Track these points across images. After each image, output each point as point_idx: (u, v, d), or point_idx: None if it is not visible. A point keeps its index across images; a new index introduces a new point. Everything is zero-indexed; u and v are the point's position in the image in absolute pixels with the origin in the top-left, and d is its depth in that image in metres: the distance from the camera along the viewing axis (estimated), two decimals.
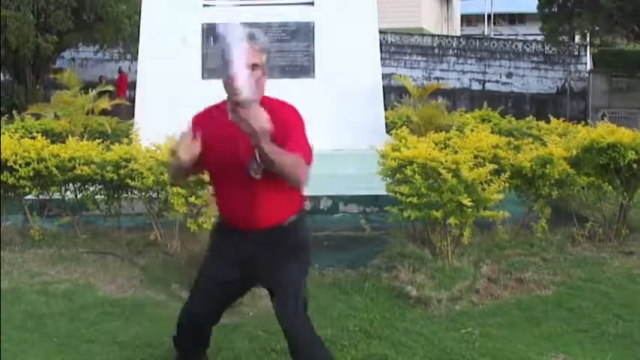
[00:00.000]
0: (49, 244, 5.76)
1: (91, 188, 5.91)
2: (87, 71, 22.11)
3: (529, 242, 5.80)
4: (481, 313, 4.44)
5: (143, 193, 5.54)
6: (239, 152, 2.63)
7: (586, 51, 23.06)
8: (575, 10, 20.10)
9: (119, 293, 4.80)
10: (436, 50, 23.57)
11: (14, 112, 10.70)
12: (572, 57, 22.72)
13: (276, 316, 2.82)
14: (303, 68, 9.12)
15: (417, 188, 4.90)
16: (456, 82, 22.69)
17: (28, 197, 6.09)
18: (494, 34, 34.91)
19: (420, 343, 3.92)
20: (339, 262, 5.26)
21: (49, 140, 6.18)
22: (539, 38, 24.39)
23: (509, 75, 23.01)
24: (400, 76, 12.34)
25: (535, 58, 23.00)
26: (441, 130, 7.18)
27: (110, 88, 10.44)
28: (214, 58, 9.01)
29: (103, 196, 5.93)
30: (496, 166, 5.29)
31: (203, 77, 9.06)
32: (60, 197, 6.02)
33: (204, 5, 9.20)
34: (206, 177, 4.98)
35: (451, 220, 4.86)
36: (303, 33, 9.17)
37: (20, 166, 5.62)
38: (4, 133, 6.32)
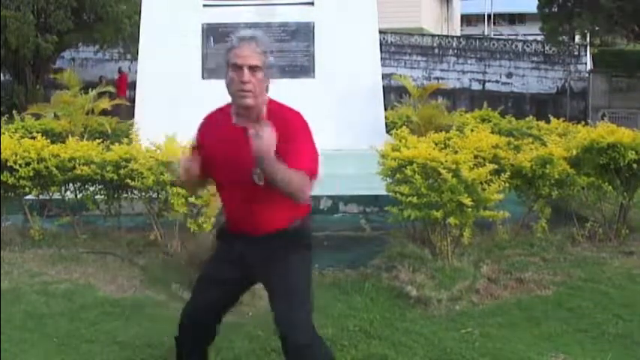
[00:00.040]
0: (49, 244, 5.77)
1: (91, 188, 5.91)
2: (87, 71, 22.12)
3: (529, 242, 5.80)
4: (481, 313, 4.44)
5: (143, 193, 5.54)
6: (243, 157, 2.61)
7: (586, 51, 23.06)
8: (575, 10, 20.11)
9: (119, 293, 4.80)
10: (436, 50, 23.57)
11: (14, 112, 10.70)
12: (572, 57, 22.73)
13: (274, 321, 2.76)
14: (303, 68, 9.12)
15: (417, 188, 4.90)
16: (456, 82, 22.69)
17: (28, 197, 6.10)
18: (495, 34, 34.91)
19: (420, 343, 3.92)
20: (339, 262, 5.26)
21: (49, 140, 6.18)
22: (539, 38, 24.40)
23: (509, 75, 23.01)
24: (400, 76, 12.34)
25: (535, 58, 23.00)
26: (441, 130, 7.18)
27: (110, 89, 10.43)
28: (214, 58, 9.03)
29: (103, 196, 5.93)
30: (496, 166, 5.29)
31: (203, 77, 9.06)
32: (60, 197, 6.02)
33: (204, 5, 9.20)
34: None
35: (451, 220, 4.86)
36: (303, 33, 9.17)
37: (20, 166, 5.62)
38: (4, 133, 6.32)
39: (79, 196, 5.99)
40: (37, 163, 5.68)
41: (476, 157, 5.50)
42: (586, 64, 22.83)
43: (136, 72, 9.96)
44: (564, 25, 20.65)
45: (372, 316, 4.30)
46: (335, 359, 3.01)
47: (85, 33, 19.25)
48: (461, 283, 4.75)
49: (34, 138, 6.06)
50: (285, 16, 9.15)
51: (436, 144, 5.92)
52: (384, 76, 10.48)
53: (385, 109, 9.76)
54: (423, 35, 24.50)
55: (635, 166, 5.75)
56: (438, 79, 22.47)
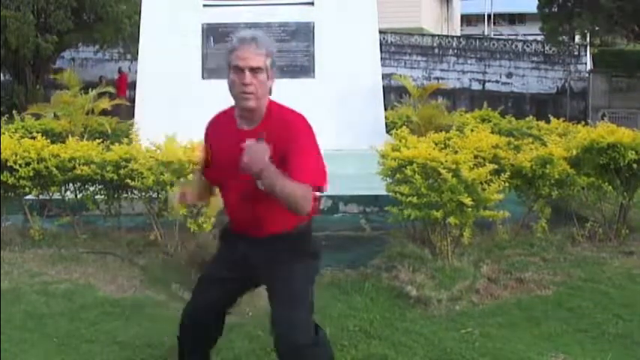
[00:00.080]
0: (49, 244, 5.76)
1: (91, 188, 5.91)
2: (87, 71, 22.12)
3: (529, 242, 5.80)
4: (481, 313, 4.44)
5: (143, 193, 5.54)
6: None
7: (586, 51, 23.07)
8: (575, 10, 20.11)
9: (119, 293, 4.80)
10: (436, 50, 23.58)
11: (14, 112, 10.70)
12: (572, 57, 22.73)
13: (271, 321, 2.74)
14: (303, 68, 9.12)
15: (417, 188, 4.90)
16: (456, 82, 22.70)
17: (28, 197, 6.09)
18: (495, 34, 34.92)
19: (420, 343, 3.92)
20: (339, 262, 5.26)
21: (49, 140, 6.17)
22: (539, 38, 24.40)
23: (509, 75, 23.02)
24: (400, 76, 12.34)
25: (535, 58, 23.01)
26: (441, 130, 7.18)
27: (110, 89, 10.44)
28: (214, 58, 9.03)
29: (103, 196, 5.93)
30: (496, 166, 5.29)
31: (203, 77, 9.07)
32: (60, 197, 6.02)
33: (204, 5, 9.20)
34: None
35: (451, 220, 4.86)
36: (303, 33, 9.17)
37: (20, 166, 5.62)
38: (4, 133, 6.32)
39: (79, 196, 5.99)
40: (37, 163, 5.68)
41: (476, 157, 5.50)
42: (586, 64, 22.83)
43: (136, 72, 9.96)
44: (564, 25, 20.65)
45: (372, 316, 4.30)
46: (335, 359, 3.01)
47: (85, 33, 19.25)
48: (461, 283, 4.75)
49: (34, 138, 6.05)
50: (285, 16, 9.15)
51: (436, 144, 5.92)
52: (384, 76, 10.48)
53: (385, 109, 9.76)
54: (423, 35, 24.50)
55: (635, 166, 5.75)
56: (438, 79, 22.47)
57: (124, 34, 18.58)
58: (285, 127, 2.61)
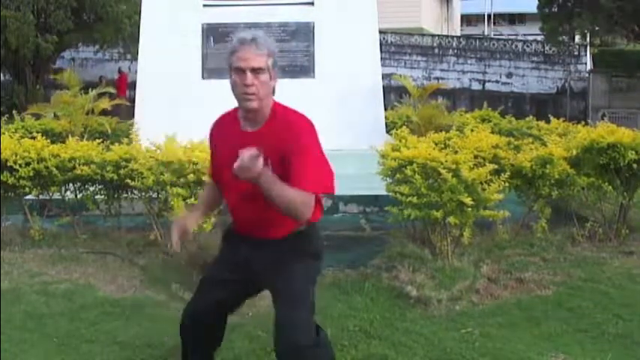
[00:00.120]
0: (49, 244, 5.76)
1: (91, 188, 5.91)
2: (87, 71, 22.12)
3: (529, 242, 5.80)
4: (481, 313, 4.44)
5: (143, 193, 5.54)
6: None
7: (586, 51, 23.07)
8: (575, 10, 20.11)
9: (119, 293, 4.80)
10: (436, 50, 23.58)
11: (14, 112, 10.70)
12: (572, 57, 22.73)
13: (275, 323, 2.74)
14: (303, 68, 9.11)
15: (417, 188, 4.90)
16: (456, 82, 22.69)
17: (28, 197, 6.10)
18: (494, 34, 34.92)
19: (420, 343, 3.92)
20: (339, 262, 5.26)
21: (49, 140, 6.18)
22: (539, 38, 24.40)
23: (509, 75, 23.02)
24: (400, 76, 12.34)
25: (535, 58, 23.00)
26: (441, 130, 7.18)
27: (110, 89, 10.44)
28: (214, 58, 9.03)
29: (103, 196, 5.93)
30: (496, 166, 5.30)
31: (203, 77, 9.07)
32: (60, 197, 6.02)
33: (204, 5, 9.20)
34: (205, 177, 5.01)
35: (451, 220, 4.86)
36: (303, 33, 9.17)
37: (20, 166, 5.62)
38: (4, 133, 6.32)
39: (79, 196, 5.99)
40: (37, 163, 5.68)
41: (476, 157, 5.51)
42: (586, 64, 22.83)
43: (136, 72, 9.96)
44: (564, 25, 20.65)
45: (372, 316, 4.30)
46: (335, 359, 3.00)
47: (85, 33, 19.25)
48: (461, 283, 4.75)
49: (34, 138, 6.06)
50: (285, 16, 9.15)
51: (436, 144, 5.92)
52: (384, 76, 10.48)
53: (385, 109, 9.76)
54: (423, 35, 24.50)
55: (635, 166, 5.75)
56: (438, 79, 22.47)
57: (124, 34, 18.58)
58: (290, 130, 2.59)
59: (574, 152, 5.94)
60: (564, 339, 4.04)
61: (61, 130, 8.87)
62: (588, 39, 22.69)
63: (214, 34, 9.10)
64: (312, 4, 9.23)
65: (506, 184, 5.16)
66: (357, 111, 8.84)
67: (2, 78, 20.25)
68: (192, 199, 5.01)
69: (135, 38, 11.37)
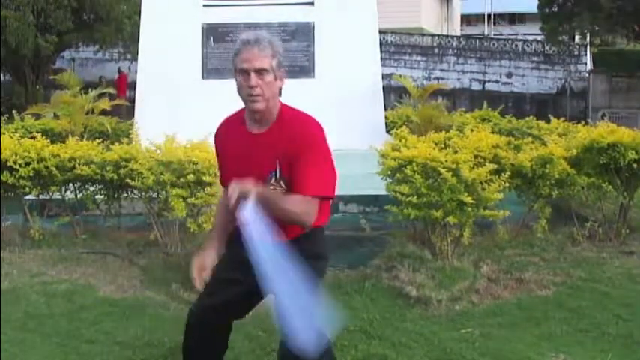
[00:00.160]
0: (49, 244, 5.76)
1: (91, 188, 5.91)
2: (87, 71, 22.13)
3: (529, 242, 5.80)
4: (481, 313, 4.44)
5: (143, 193, 5.54)
6: (255, 163, 2.58)
7: (586, 51, 23.08)
8: (575, 10, 20.11)
9: (119, 293, 4.80)
10: (436, 50, 23.59)
11: (14, 112, 10.70)
12: (572, 57, 22.75)
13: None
14: (303, 68, 9.11)
15: (417, 188, 4.90)
16: (456, 82, 22.70)
17: (28, 197, 6.09)
18: (494, 34, 34.91)
19: (420, 343, 3.92)
20: (339, 262, 5.26)
21: (49, 140, 6.18)
22: (539, 38, 24.40)
23: (509, 75, 23.02)
24: (400, 76, 12.34)
25: (535, 58, 23.02)
26: (441, 130, 7.18)
27: (110, 89, 10.44)
28: (214, 58, 9.03)
29: (103, 196, 5.93)
30: (496, 166, 5.29)
31: (203, 77, 9.07)
32: (60, 197, 6.02)
33: (204, 5, 9.20)
34: (205, 178, 5.01)
35: (451, 219, 4.86)
36: (303, 33, 9.17)
37: (20, 166, 5.62)
38: (4, 133, 6.32)
39: (79, 196, 5.99)
40: (37, 163, 5.68)
41: (476, 157, 5.50)
42: (586, 64, 22.84)
43: (136, 72, 9.96)
44: (564, 25, 20.65)
45: (372, 316, 4.30)
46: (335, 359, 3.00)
47: (85, 33, 19.26)
48: (461, 283, 4.75)
49: (34, 138, 6.05)
50: (285, 16, 9.15)
51: (436, 144, 5.91)
52: (384, 76, 10.49)
53: (385, 109, 9.76)
54: (423, 35, 24.51)
55: (635, 166, 5.75)
56: (438, 79, 22.48)
57: (124, 34, 18.60)
58: (296, 132, 2.57)
59: (574, 152, 5.94)
60: (564, 339, 4.04)
61: (61, 130, 8.87)
62: (588, 39, 22.69)
63: (214, 34, 9.10)
64: (312, 4, 9.23)
65: (506, 184, 5.16)
66: (357, 111, 8.84)
67: (2, 78, 20.25)
68: (193, 199, 5.02)
69: (135, 38, 11.38)
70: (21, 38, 17.11)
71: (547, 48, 22.74)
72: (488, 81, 23.12)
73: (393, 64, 22.50)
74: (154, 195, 5.48)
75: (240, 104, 2.69)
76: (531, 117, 9.93)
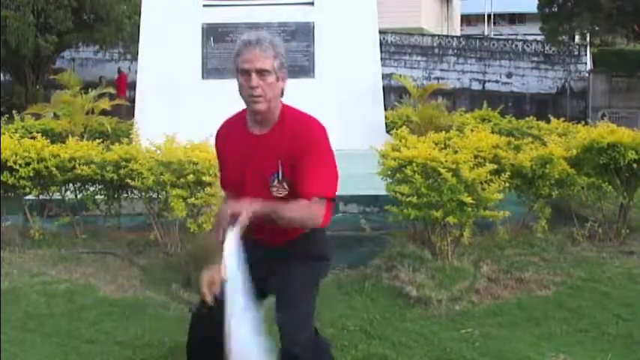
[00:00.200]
0: (49, 244, 5.76)
1: (91, 188, 5.91)
2: (87, 71, 22.13)
3: (529, 242, 5.80)
4: (481, 313, 4.44)
5: (143, 193, 5.54)
6: (257, 164, 2.58)
7: (586, 51, 23.08)
8: (575, 10, 20.11)
9: (119, 293, 4.80)
10: (436, 50, 23.59)
11: (14, 112, 10.70)
12: (572, 57, 22.75)
13: (279, 330, 2.71)
14: (303, 68, 9.12)
15: (417, 188, 4.90)
16: (456, 82, 22.70)
17: (28, 197, 6.09)
18: (494, 34, 34.91)
19: (420, 343, 3.92)
20: (339, 262, 5.25)
21: (49, 140, 6.17)
22: (539, 38, 24.40)
23: (509, 75, 23.03)
24: (400, 76, 12.34)
25: (535, 58, 23.02)
26: (441, 130, 7.18)
27: (111, 89, 10.44)
28: (214, 58, 9.04)
29: (103, 196, 5.93)
30: (496, 166, 5.29)
31: (203, 77, 9.08)
32: (60, 197, 6.02)
33: (204, 5, 9.21)
34: (205, 178, 5.01)
35: (451, 219, 4.86)
36: (303, 33, 9.18)
37: (20, 166, 5.62)
38: (4, 133, 6.32)
39: (79, 196, 5.99)
40: (37, 163, 5.68)
41: (476, 157, 5.50)
42: (586, 64, 22.85)
43: (136, 72, 9.97)
44: (564, 25, 20.66)
45: (372, 316, 4.30)
46: (335, 359, 3.00)
47: (85, 33, 19.27)
48: (461, 283, 4.75)
49: (34, 138, 6.05)
50: (285, 16, 9.16)
51: (436, 144, 5.91)
52: (384, 76, 10.50)
53: (385, 109, 9.77)
54: (423, 35, 24.52)
55: (635, 165, 5.75)
56: (438, 79, 22.49)
57: (124, 34, 18.60)
58: (298, 133, 2.57)
59: (574, 152, 5.94)
60: (564, 339, 4.04)
61: (61, 130, 8.87)
62: (588, 39, 22.71)
63: (214, 34, 9.11)
64: (312, 4, 9.24)
65: (506, 184, 5.16)
66: (357, 111, 8.85)
67: (2, 78, 20.25)
68: (193, 199, 5.01)
69: (135, 38, 11.38)
70: (21, 38, 17.11)
71: (547, 48, 22.75)
72: (488, 81, 23.12)
73: (393, 64, 22.50)
74: (154, 195, 5.48)
75: (241, 104, 2.68)
76: (531, 117, 9.93)
